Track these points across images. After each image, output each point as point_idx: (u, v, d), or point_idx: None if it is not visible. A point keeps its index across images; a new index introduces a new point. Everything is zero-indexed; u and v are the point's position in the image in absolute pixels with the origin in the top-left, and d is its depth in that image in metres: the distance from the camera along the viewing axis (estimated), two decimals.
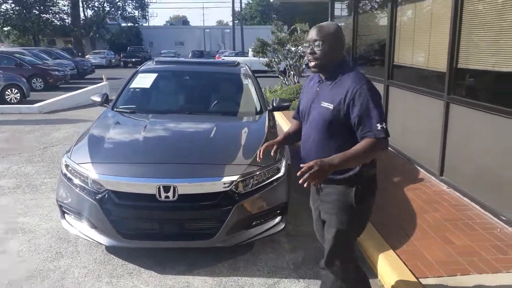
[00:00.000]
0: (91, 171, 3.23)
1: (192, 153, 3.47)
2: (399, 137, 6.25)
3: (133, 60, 34.90)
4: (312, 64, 2.26)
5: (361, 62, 8.25)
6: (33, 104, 10.92)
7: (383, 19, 6.93)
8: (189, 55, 36.87)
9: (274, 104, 4.69)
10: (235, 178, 3.19)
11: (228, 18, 50.29)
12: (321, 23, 2.28)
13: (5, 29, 42.06)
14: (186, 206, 3.13)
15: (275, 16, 55.70)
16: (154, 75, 4.89)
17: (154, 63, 5.31)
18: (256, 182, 3.30)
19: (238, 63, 5.41)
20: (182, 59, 6.65)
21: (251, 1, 59.87)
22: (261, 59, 13.94)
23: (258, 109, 4.55)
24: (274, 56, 13.50)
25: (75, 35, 40.76)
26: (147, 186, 3.11)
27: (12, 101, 12.78)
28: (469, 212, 4.06)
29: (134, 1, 44.13)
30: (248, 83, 4.89)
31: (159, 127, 4.09)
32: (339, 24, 2.44)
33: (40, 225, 4.05)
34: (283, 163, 3.53)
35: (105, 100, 4.69)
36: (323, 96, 2.26)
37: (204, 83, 4.98)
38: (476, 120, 4.27)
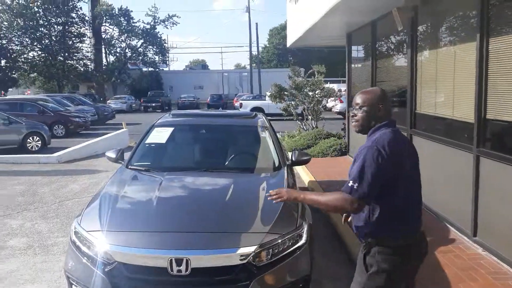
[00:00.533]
0: (101, 241, 3.04)
1: (206, 219, 3.24)
2: (425, 190, 5.89)
3: (153, 104, 35.50)
4: (353, 124, 2.43)
5: None
6: (52, 152, 10.99)
7: (402, 65, 6.79)
8: (208, 99, 37.34)
9: (293, 158, 4.49)
10: (252, 249, 2.95)
11: (245, 62, 51.73)
12: (367, 89, 2.40)
13: (32, 75, 43.68)
14: (200, 281, 2.89)
15: (291, 59, 56.76)
16: (170, 129, 4.78)
17: (171, 116, 5.23)
18: (276, 252, 3.05)
19: (255, 115, 5.30)
20: (198, 111, 6.58)
21: (268, 45, 61.17)
22: (278, 104, 13.88)
23: (277, 164, 4.34)
24: (291, 101, 13.43)
25: (97, 81, 41.97)
26: (158, 259, 2.89)
27: (33, 149, 12.95)
28: (511, 283, 3.69)
29: (154, 47, 45.48)
30: (265, 136, 4.73)
31: (174, 188, 3.91)
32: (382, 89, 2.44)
33: None
34: (305, 229, 3.29)
35: (120, 157, 4.57)
36: None
37: (220, 136, 4.85)
38: (511, 175, 3.98)
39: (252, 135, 4.87)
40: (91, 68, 43.51)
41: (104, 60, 44.80)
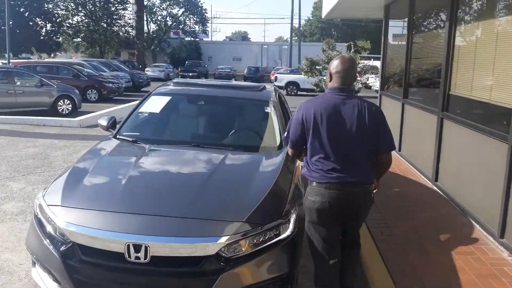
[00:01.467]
0: (59, 217, 2.73)
1: (176, 202, 2.82)
2: (452, 181, 5.32)
3: (190, 74, 35.34)
4: None
5: (414, 88, 7.34)
6: (81, 115, 10.99)
7: (439, 40, 6.05)
8: (245, 71, 36.82)
9: None
10: (223, 240, 2.54)
11: (288, 35, 50.16)
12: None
13: (75, 40, 44.54)
14: (160, 271, 2.53)
15: (335, 33, 54.84)
16: (167, 98, 4.39)
17: (172, 84, 4.80)
18: (252, 244, 2.64)
19: (264, 87, 4.77)
20: (202, 80, 5.99)
21: (311, 18, 59.33)
22: (310, 78, 13.26)
23: (278, 143, 3.88)
24: (323, 76, 12.77)
25: (138, 48, 42.29)
26: (114, 243, 2.55)
27: (64, 112, 13.04)
28: None
29: (195, 16, 45.18)
30: (270, 111, 4.24)
31: (152, 163, 3.52)
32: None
33: (22, 265, 3.62)
34: (292, 219, 2.85)
35: (112, 125, 4.24)
36: None
37: (219, 109, 4.39)
38: None
39: (255, 110, 4.40)
40: (132, 35, 43.85)
41: (145, 27, 44.93)
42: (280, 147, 3.81)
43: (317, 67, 12.77)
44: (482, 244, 4.04)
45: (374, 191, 2.88)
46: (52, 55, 40.19)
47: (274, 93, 4.62)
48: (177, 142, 3.87)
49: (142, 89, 24.05)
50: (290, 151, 2.96)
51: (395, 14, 8.80)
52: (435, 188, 5.74)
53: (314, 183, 2.70)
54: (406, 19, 7.48)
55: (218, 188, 3.04)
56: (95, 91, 18.14)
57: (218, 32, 75.31)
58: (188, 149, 3.71)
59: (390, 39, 9.38)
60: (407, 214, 4.81)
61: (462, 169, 5.00)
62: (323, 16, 12.17)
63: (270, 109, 4.27)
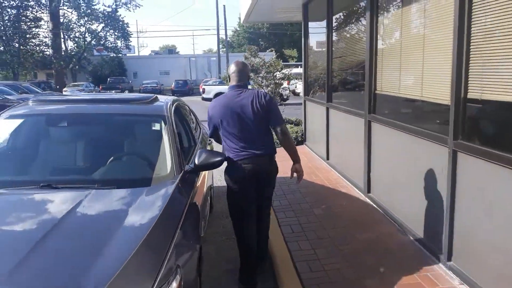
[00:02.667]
0: None
1: None
2: (384, 192, 4.67)
3: (113, 91, 33.45)
4: None
5: (339, 91, 6.74)
6: None
7: (361, 36, 5.46)
8: (172, 85, 35.54)
9: (197, 161, 3.07)
10: None
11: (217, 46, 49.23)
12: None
13: None
14: None
15: (262, 43, 55.02)
16: (17, 122, 3.30)
17: (31, 102, 3.66)
18: None
19: (155, 98, 3.77)
20: (74, 95, 4.59)
21: (238, 28, 59.24)
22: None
23: (167, 171, 2.94)
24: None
25: (55, 68, 39.52)
26: None
27: None
28: None
29: (116, 31, 43.03)
30: (159, 129, 3.29)
31: None
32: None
33: None
34: (174, 284, 1.94)
35: None
36: None
37: (90, 131, 3.35)
38: (502, 180, 2.71)
39: (140, 128, 3.43)
40: (49, 55, 40.94)
41: (62, 45, 42.12)
42: (172, 174, 2.88)
43: None
44: (429, 270, 3.34)
45: (296, 175, 3.51)
46: None
47: (168, 106, 3.63)
48: (20, 182, 2.77)
49: None
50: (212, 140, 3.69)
51: (315, 14, 8.24)
52: (368, 200, 5.08)
53: (232, 161, 3.26)
54: (324, 15, 6.89)
55: (59, 249, 2.03)
56: None
57: (146, 47, 73.00)
58: (33, 192, 2.63)
59: (313, 44, 8.81)
60: (339, 240, 4.03)
61: (397, 178, 4.36)
62: (241, 21, 11.45)
63: (160, 127, 3.31)
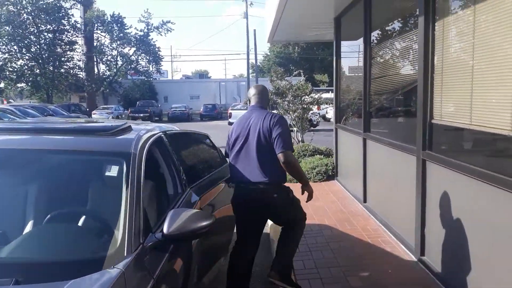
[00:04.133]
0: None
1: None
2: (448, 258, 3.38)
3: (141, 115, 33.12)
4: None
5: (377, 117, 5.53)
6: None
7: (409, 47, 4.29)
8: (201, 109, 35.01)
9: (167, 229, 1.96)
10: None
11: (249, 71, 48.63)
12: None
13: (19, 85, 41.60)
14: None
15: (293, 68, 54.28)
16: None
17: None
18: None
19: (126, 128, 2.64)
20: (19, 123, 3.29)
21: (269, 53, 58.94)
22: None
23: (115, 246, 1.83)
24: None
25: (87, 91, 39.89)
26: None
27: None
28: None
29: (148, 55, 43.27)
30: (121, 174, 2.18)
31: None
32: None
33: None
34: None
35: None
36: None
37: (12, 179, 2.30)
38: None
39: (89, 174, 2.33)
40: (82, 77, 41.48)
41: (95, 69, 42.64)
42: (122, 254, 1.77)
43: None
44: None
45: (304, 195, 3.35)
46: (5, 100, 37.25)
47: (142, 140, 2.50)
48: None
49: None
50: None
51: (348, 31, 7.13)
52: (423, 267, 3.80)
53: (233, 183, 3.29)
54: (361, 29, 5.76)
55: None
56: None
57: (179, 71, 73.41)
58: None
59: (347, 64, 7.66)
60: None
61: (466, 241, 3.09)
62: (266, 41, 10.47)
63: (120, 172, 2.20)
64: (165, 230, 1.97)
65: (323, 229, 4.90)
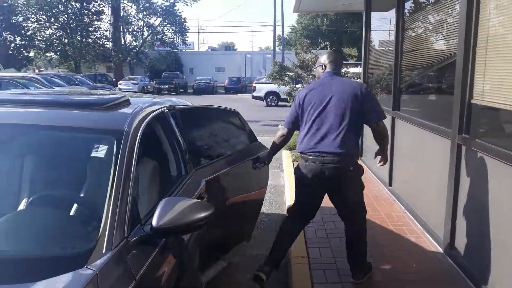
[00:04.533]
0: None
1: None
2: (480, 254, 3.02)
3: (166, 86, 33.07)
4: None
5: (408, 95, 5.10)
6: None
7: (447, 17, 3.82)
8: (226, 82, 34.64)
9: (156, 221, 1.69)
10: None
11: (277, 43, 47.57)
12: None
13: (48, 54, 42.08)
14: None
15: (321, 41, 52.92)
16: None
17: None
18: None
19: (124, 102, 2.33)
20: (13, 95, 3.01)
21: (296, 25, 57.58)
22: (281, 87, 11.02)
23: (95, 239, 1.58)
24: (294, 84, 10.50)
25: (114, 61, 39.99)
26: None
27: None
28: None
29: (174, 26, 42.87)
30: (110, 155, 1.90)
31: None
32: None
33: None
34: None
35: None
36: None
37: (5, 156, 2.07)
38: None
39: (75, 153, 2.06)
40: (108, 48, 41.58)
41: (122, 39, 42.58)
42: (101, 249, 1.52)
43: (288, 73, 10.48)
44: None
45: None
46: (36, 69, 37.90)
47: (140, 116, 2.20)
48: None
49: None
50: (281, 131, 3.29)
51: (379, 1, 6.59)
52: (451, 262, 3.46)
53: (300, 153, 3.06)
54: (394, 9, 5.26)
55: None
56: None
57: (205, 43, 72.59)
58: None
59: (377, 37, 7.14)
60: None
61: (504, 239, 2.72)
62: (292, 10, 9.96)
63: (109, 153, 1.92)
64: (154, 222, 1.70)
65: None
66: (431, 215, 3.99)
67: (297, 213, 3.20)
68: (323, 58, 3.23)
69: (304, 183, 3.05)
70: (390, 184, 5.37)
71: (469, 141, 3.17)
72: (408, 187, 4.77)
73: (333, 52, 3.31)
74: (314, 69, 3.34)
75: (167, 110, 2.62)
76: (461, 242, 3.37)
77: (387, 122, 5.44)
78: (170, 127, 2.54)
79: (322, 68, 3.20)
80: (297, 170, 3.11)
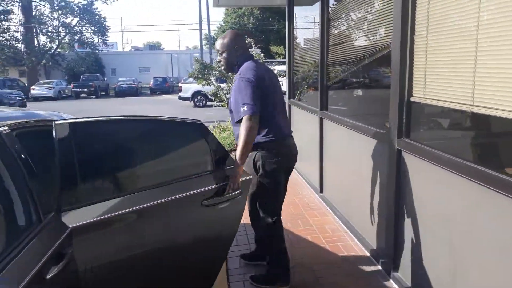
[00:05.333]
0: None
1: None
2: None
3: (85, 90, 30.94)
4: (221, 68, 3.01)
5: (337, 93, 4.64)
6: None
7: (382, 9, 3.35)
8: (151, 82, 33.16)
9: None
10: None
11: (204, 42, 46.25)
12: (223, 35, 2.86)
13: None
14: None
15: (248, 39, 52.80)
16: None
17: None
18: None
19: None
20: None
21: (223, 24, 57.08)
22: (205, 87, 10.32)
23: None
24: (218, 83, 9.86)
25: (27, 64, 36.80)
26: None
27: None
28: None
29: (93, 26, 40.39)
30: None
31: None
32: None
33: None
34: None
35: None
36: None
37: None
38: None
39: None
40: (20, 50, 38.19)
41: (35, 41, 39.33)
42: None
43: (210, 71, 9.80)
44: None
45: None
46: None
47: None
48: None
49: None
50: (254, 123, 2.56)
51: None
52: None
53: (279, 142, 2.80)
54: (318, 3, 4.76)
55: None
56: None
57: (130, 43, 69.42)
58: None
59: (301, 31, 6.66)
60: None
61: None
62: (212, 5, 9.26)
63: None
64: None
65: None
66: (370, 229, 3.51)
67: (279, 213, 2.99)
68: (241, 40, 2.88)
69: (280, 177, 2.87)
70: (321, 191, 4.89)
71: (409, 146, 2.69)
72: (341, 194, 4.29)
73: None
74: (223, 53, 2.81)
75: (8, 131, 1.82)
76: (405, 264, 2.89)
77: (314, 122, 4.99)
78: (8, 154, 1.75)
79: (240, 52, 2.85)
80: (269, 165, 2.76)
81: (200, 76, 9.81)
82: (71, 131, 2.00)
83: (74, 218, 1.90)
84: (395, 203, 2.93)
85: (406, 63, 2.66)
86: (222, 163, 2.52)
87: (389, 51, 2.89)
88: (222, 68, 2.90)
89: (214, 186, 2.39)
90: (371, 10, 3.55)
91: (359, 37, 3.88)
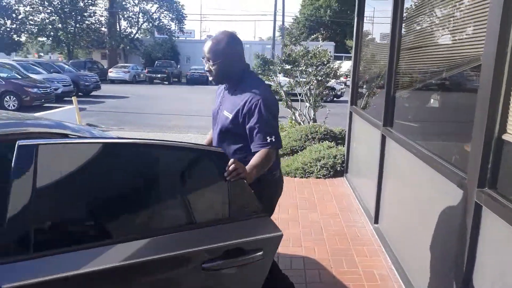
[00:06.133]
0: None
1: None
2: None
3: (159, 75, 31.70)
4: (210, 78, 2.38)
5: (407, 107, 3.83)
6: None
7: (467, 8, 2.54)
8: None
9: None
10: None
11: (279, 34, 46.24)
12: (214, 36, 2.31)
13: (40, 39, 40.64)
14: None
15: (323, 32, 51.35)
16: None
17: None
18: None
19: None
20: None
21: (298, 16, 56.05)
22: (267, 83, 9.72)
23: None
24: (277, 81, 9.22)
25: (108, 48, 38.57)
26: None
27: None
28: None
29: (171, 13, 41.32)
30: None
31: None
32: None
33: None
34: None
35: None
36: (225, 104, 2.34)
37: None
38: None
39: None
40: (103, 34, 40.11)
41: (117, 25, 41.08)
42: None
43: (271, 67, 9.19)
44: None
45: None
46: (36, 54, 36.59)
47: None
48: None
49: (93, 93, 20.57)
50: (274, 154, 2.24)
51: None
52: None
53: (278, 177, 2.49)
54: None
55: None
56: (14, 98, 14.74)
57: (208, 32, 70.60)
58: None
59: (372, 27, 5.83)
60: None
61: None
62: None
63: None
64: None
65: (308, 268, 3.33)
66: (433, 284, 2.73)
67: None
68: (240, 44, 2.35)
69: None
70: (376, 221, 4.11)
71: (494, 202, 1.90)
72: (399, 230, 3.51)
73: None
74: (217, 62, 2.27)
75: None
76: None
77: (376, 137, 4.23)
78: None
79: (236, 58, 2.32)
80: (274, 189, 2.46)
81: (259, 72, 9.24)
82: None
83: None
84: (467, 266, 2.15)
85: (502, 86, 1.87)
86: (242, 210, 1.84)
87: (478, 64, 2.10)
88: (211, 78, 2.38)
89: (225, 243, 1.72)
90: (458, 10, 2.72)
91: (440, 43, 3.06)
